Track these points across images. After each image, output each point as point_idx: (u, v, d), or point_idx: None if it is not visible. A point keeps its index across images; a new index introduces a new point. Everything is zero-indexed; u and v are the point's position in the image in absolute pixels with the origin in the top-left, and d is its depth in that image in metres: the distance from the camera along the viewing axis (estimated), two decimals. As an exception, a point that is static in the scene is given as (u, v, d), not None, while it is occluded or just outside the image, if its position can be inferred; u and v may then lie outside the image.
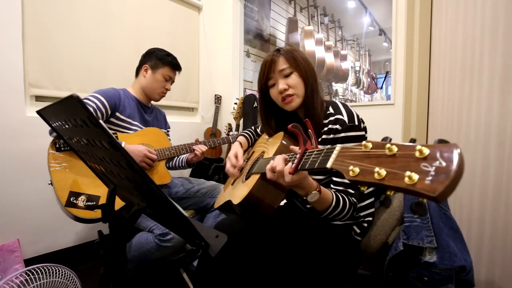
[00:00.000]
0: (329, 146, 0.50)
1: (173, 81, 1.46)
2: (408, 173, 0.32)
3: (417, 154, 0.33)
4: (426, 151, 0.32)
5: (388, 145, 0.36)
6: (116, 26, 1.81)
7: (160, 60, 1.36)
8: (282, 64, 0.85)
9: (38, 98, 1.52)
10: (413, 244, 0.79)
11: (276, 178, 0.64)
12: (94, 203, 1.10)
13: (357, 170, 0.38)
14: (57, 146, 1.16)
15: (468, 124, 1.27)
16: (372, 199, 0.86)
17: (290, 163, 0.62)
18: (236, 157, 0.97)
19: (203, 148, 1.38)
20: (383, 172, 0.35)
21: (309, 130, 0.61)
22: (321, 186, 0.71)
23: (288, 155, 0.66)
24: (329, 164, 0.46)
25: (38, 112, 0.58)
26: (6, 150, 1.39)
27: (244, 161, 1.01)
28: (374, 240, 0.89)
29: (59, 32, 1.56)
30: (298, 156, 0.58)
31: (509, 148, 1.15)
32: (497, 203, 1.18)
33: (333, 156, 0.46)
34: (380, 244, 0.88)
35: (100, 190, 1.12)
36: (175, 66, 1.41)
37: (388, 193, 0.36)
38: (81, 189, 1.12)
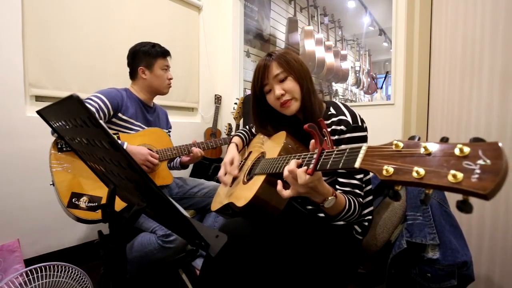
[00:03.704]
0: (353, 145, 0.49)
1: (169, 67, 1.43)
2: (452, 171, 0.32)
3: (457, 152, 0.33)
4: (467, 150, 0.32)
5: (423, 144, 0.36)
6: (116, 26, 1.81)
7: (150, 56, 1.34)
8: (275, 69, 0.83)
9: (38, 98, 1.53)
10: (417, 241, 0.79)
11: (292, 181, 0.61)
12: (96, 204, 1.10)
13: (391, 169, 0.38)
14: (59, 146, 1.15)
15: (468, 124, 1.27)
16: (370, 197, 0.85)
17: (304, 166, 0.59)
18: (232, 163, 0.96)
19: (199, 153, 1.37)
20: (422, 171, 0.35)
21: (324, 130, 0.59)
22: (336, 191, 0.70)
23: (296, 156, 0.64)
24: (357, 164, 0.45)
25: (38, 112, 0.58)
26: (6, 150, 1.39)
27: (239, 164, 1.00)
28: (377, 239, 0.89)
29: (59, 32, 1.56)
30: (315, 156, 0.56)
31: (509, 148, 1.15)
32: (497, 203, 1.18)
33: (360, 156, 0.45)
34: (383, 243, 0.89)
35: (102, 191, 1.12)
36: (164, 53, 1.38)
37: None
38: (83, 190, 1.11)
